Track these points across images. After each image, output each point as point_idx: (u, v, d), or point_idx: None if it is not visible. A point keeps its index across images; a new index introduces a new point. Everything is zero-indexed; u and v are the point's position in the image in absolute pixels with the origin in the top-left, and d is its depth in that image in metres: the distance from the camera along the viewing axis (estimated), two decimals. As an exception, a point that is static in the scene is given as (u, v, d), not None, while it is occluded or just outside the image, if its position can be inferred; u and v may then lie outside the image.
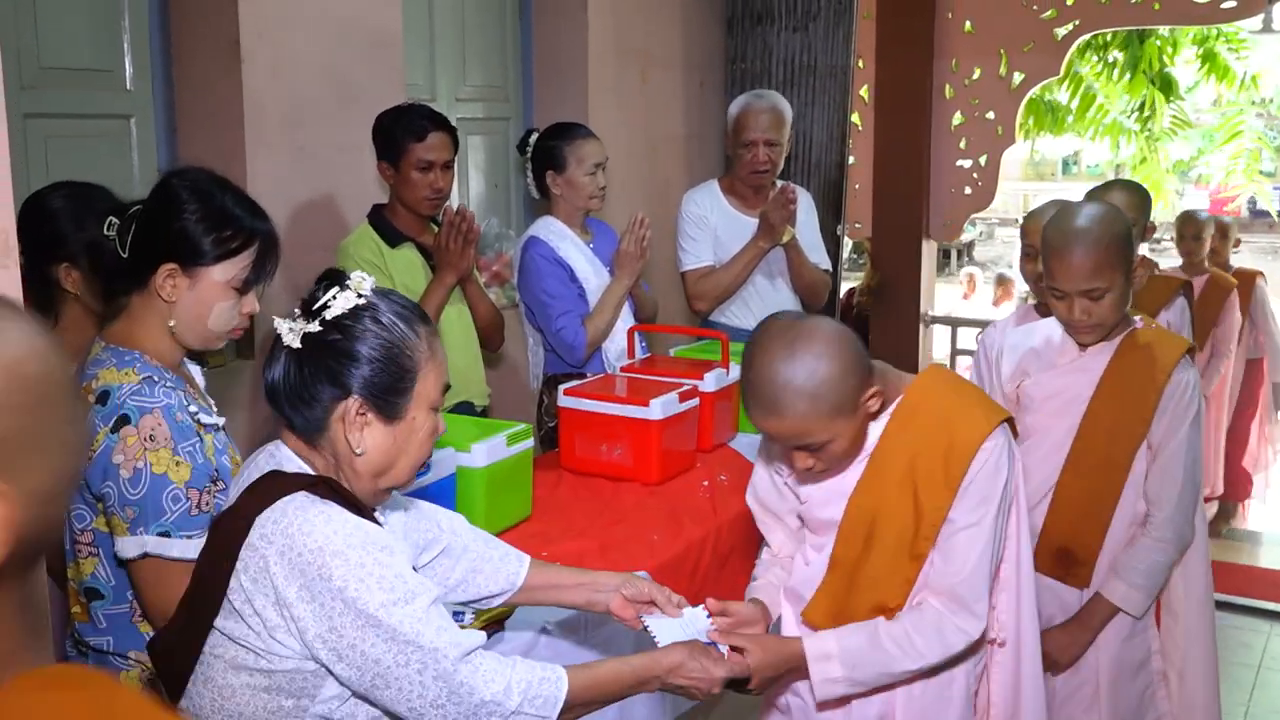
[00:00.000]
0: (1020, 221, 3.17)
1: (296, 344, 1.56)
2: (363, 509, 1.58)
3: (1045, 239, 2.41)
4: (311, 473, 1.59)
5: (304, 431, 1.60)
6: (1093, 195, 2.93)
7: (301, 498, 1.52)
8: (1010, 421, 1.98)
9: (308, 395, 1.57)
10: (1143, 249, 3.01)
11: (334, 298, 1.57)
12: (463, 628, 2.07)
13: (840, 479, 1.98)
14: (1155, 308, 3.14)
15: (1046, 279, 2.41)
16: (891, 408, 1.95)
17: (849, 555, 1.97)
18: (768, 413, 1.82)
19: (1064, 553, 2.48)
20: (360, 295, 1.58)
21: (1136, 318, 2.47)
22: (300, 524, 1.49)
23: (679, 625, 1.90)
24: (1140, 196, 3.05)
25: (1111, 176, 18.97)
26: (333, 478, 1.59)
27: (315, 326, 1.56)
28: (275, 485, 1.54)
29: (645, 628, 1.90)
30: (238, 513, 1.54)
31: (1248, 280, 5.59)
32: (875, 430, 1.95)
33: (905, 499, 1.91)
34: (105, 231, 1.93)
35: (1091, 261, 2.31)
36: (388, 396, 1.57)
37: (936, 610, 1.91)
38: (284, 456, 1.61)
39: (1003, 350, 2.65)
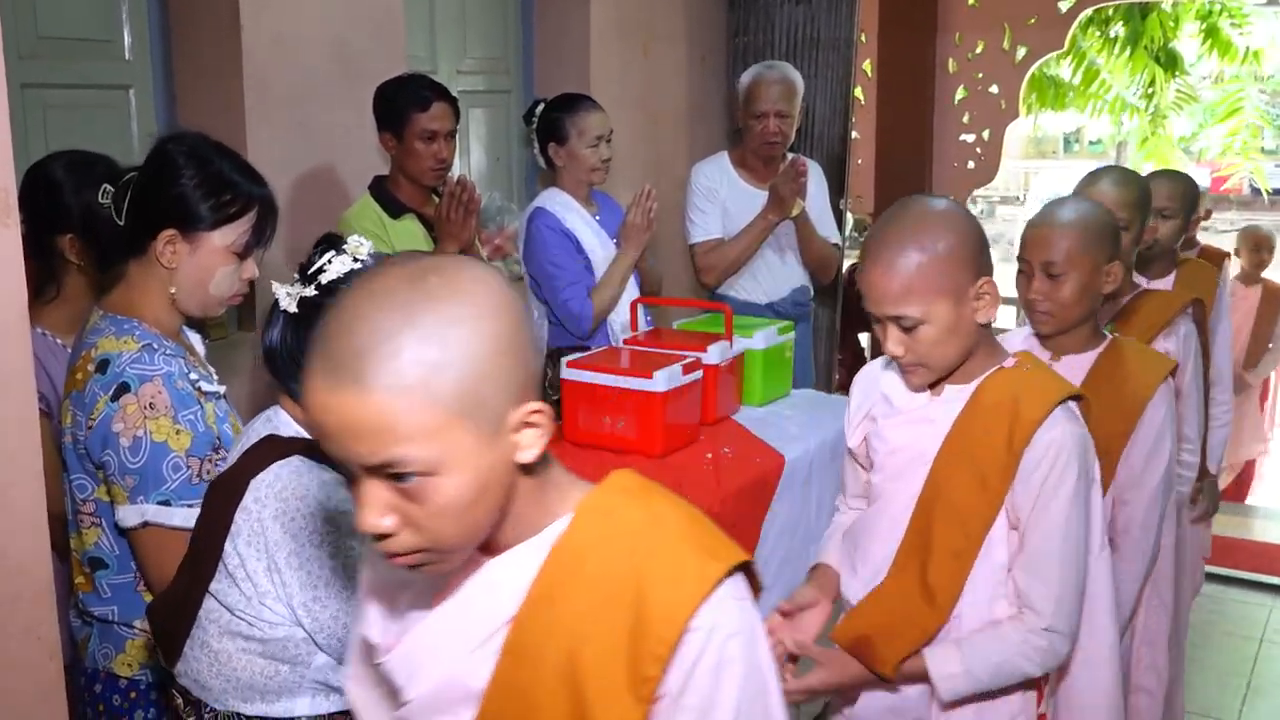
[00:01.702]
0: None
1: (293, 308, 1.56)
2: None
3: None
4: (308, 437, 1.58)
5: (299, 396, 1.58)
6: (1081, 185, 2.74)
7: (297, 461, 1.52)
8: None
9: (303, 359, 1.55)
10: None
11: (329, 262, 1.57)
12: None
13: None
14: (1152, 331, 2.66)
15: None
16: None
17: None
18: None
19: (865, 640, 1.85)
20: (356, 259, 1.57)
21: (1009, 359, 1.86)
22: (295, 487, 1.49)
23: None
24: (1132, 191, 2.65)
25: (1114, 153, 18.94)
26: None
27: (311, 291, 1.56)
28: (271, 449, 1.54)
29: None
30: (233, 476, 1.54)
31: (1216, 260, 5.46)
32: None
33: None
34: (100, 199, 1.91)
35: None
36: None
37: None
38: (281, 421, 1.60)
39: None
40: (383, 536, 1.00)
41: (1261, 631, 4.28)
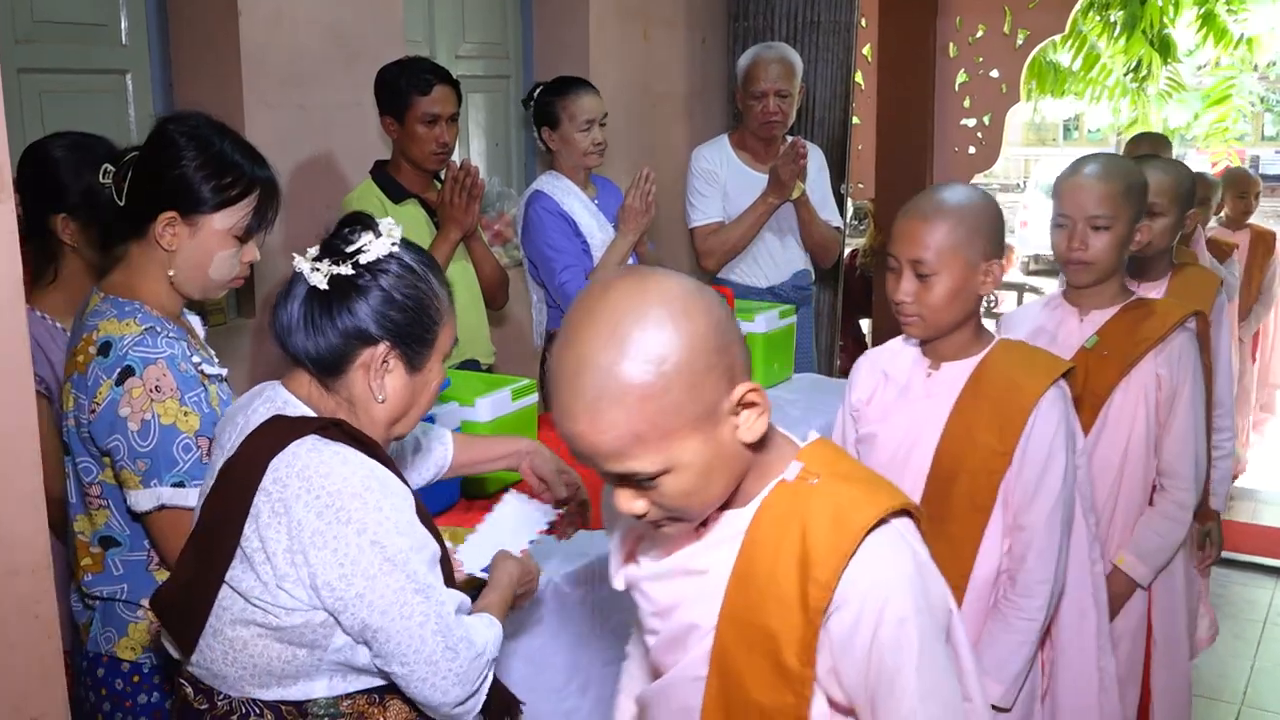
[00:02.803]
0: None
1: (324, 285, 1.54)
2: (376, 450, 1.56)
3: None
4: (314, 414, 1.56)
5: (321, 373, 1.57)
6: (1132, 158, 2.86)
7: (313, 440, 1.50)
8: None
9: (333, 338, 1.55)
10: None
11: (370, 243, 1.55)
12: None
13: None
14: (1142, 347, 2.36)
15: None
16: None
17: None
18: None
19: None
20: (393, 243, 1.57)
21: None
22: (317, 466, 1.47)
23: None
24: (1118, 184, 2.39)
25: (1113, 140, 18.90)
26: (344, 419, 1.57)
27: (347, 269, 1.54)
28: (284, 429, 1.52)
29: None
30: (247, 458, 1.51)
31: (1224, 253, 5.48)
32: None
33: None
34: (101, 178, 1.89)
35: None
36: (415, 346, 1.58)
37: None
38: (285, 400, 1.58)
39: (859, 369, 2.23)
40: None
41: (1265, 614, 4.28)
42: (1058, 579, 1.97)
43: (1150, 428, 2.36)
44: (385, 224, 1.58)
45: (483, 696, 1.58)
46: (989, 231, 1.95)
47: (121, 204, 1.86)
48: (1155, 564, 2.39)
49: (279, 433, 1.51)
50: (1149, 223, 2.59)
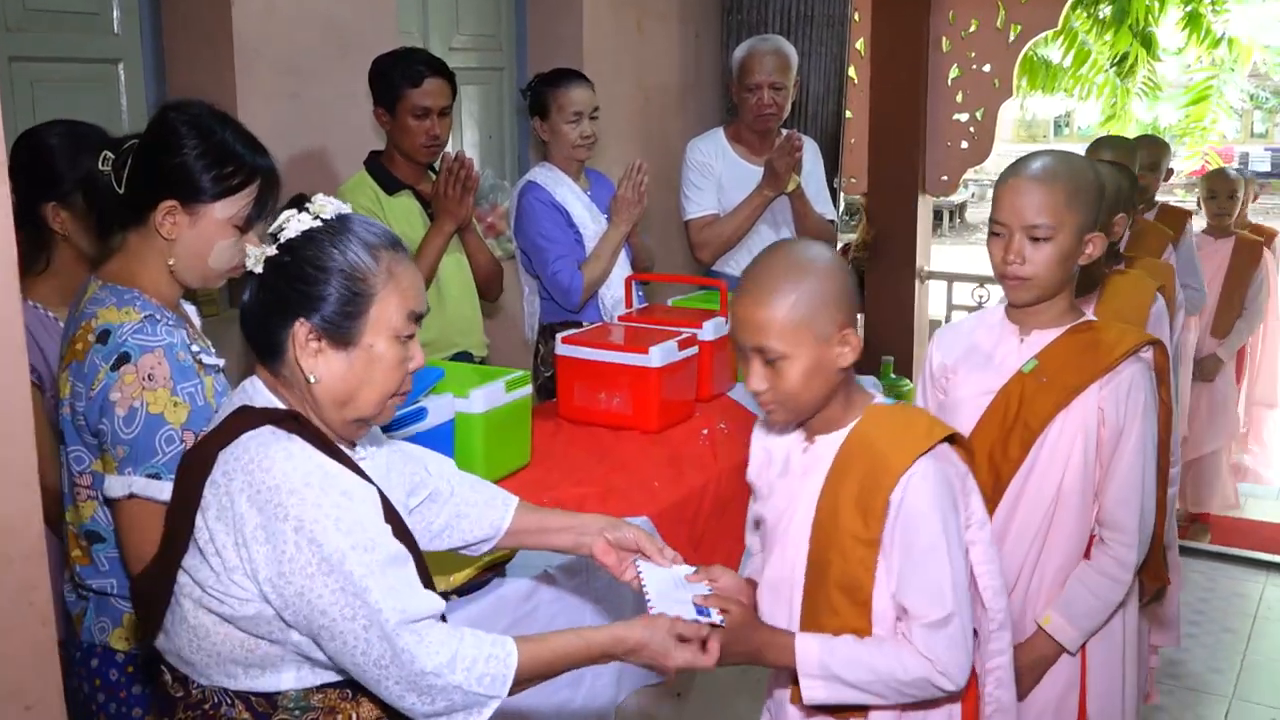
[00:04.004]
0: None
1: (259, 269, 1.52)
2: (332, 446, 1.53)
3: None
4: (280, 407, 1.54)
5: (267, 360, 1.56)
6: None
7: (265, 432, 1.48)
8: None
9: (265, 321, 1.53)
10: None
11: (288, 221, 1.52)
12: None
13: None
14: (1086, 379, 2.05)
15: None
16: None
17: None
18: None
19: None
20: (318, 218, 1.52)
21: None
22: (260, 459, 1.44)
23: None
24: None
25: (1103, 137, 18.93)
26: (301, 412, 1.54)
27: (272, 250, 1.52)
28: (241, 420, 1.50)
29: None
30: (202, 449, 1.50)
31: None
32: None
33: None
34: (100, 166, 1.88)
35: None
36: (337, 321, 1.50)
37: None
38: (255, 391, 1.56)
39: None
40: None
41: (1255, 608, 4.29)
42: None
43: (1088, 469, 2.04)
44: (318, 200, 1.54)
45: (466, 714, 1.47)
46: (838, 297, 1.70)
47: (121, 192, 1.85)
48: (1085, 627, 2.05)
49: (236, 424, 1.49)
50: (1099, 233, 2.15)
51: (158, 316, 1.82)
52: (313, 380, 1.51)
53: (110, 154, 1.87)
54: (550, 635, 1.62)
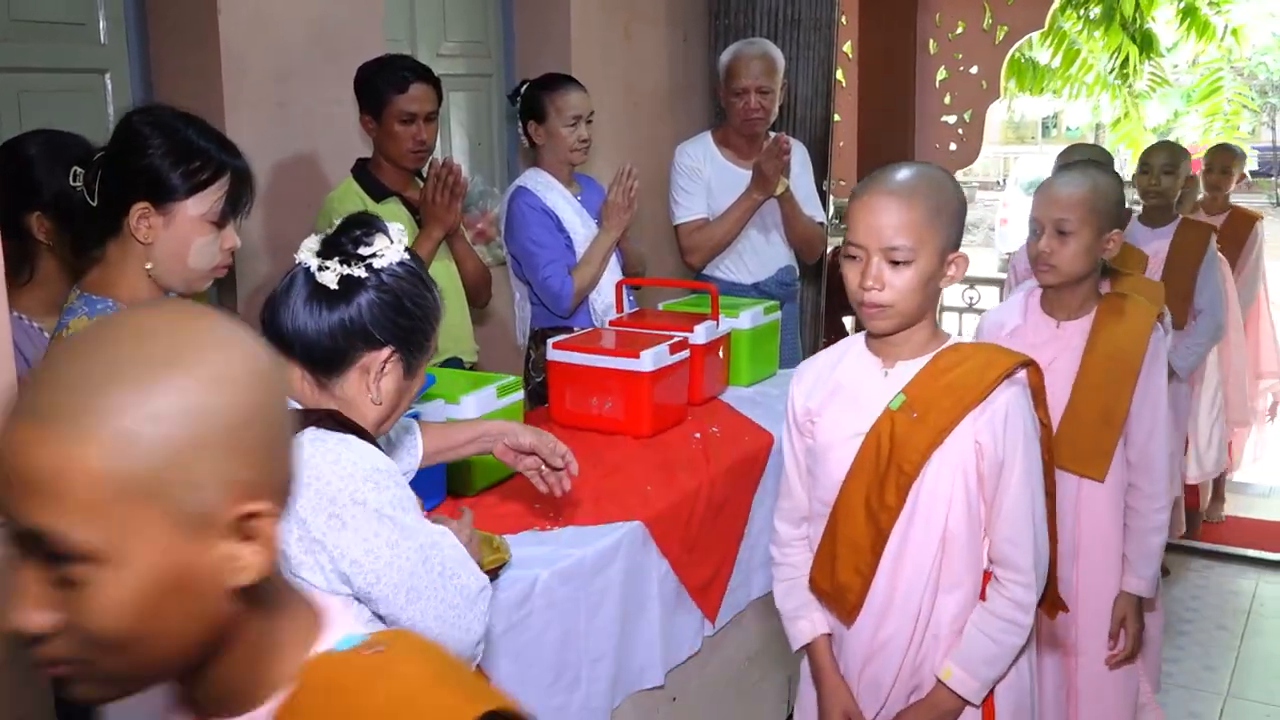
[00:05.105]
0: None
1: (334, 285, 1.55)
2: (370, 438, 1.59)
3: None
4: (297, 406, 1.56)
5: (317, 371, 1.59)
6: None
7: (312, 432, 1.51)
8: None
9: (338, 338, 1.57)
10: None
11: (385, 248, 1.58)
12: None
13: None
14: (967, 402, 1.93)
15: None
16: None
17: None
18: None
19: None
20: (404, 248, 1.60)
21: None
22: (324, 454, 1.49)
23: None
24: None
25: (1091, 138, 18.96)
26: (335, 410, 1.58)
27: (359, 271, 1.56)
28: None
29: None
30: None
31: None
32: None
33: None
34: (71, 181, 1.87)
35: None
36: (415, 352, 1.62)
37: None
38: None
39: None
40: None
41: (1249, 605, 4.30)
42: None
43: (973, 508, 1.88)
44: (396, 230, 1.61)
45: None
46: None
47: (94, 204, 1.85)
48: (988, 676, 1.90)
49: None
50: (1058, 244, 2.46)
51: None
52: (377, 401, 1.61)
53: (79, 169, 1.87)
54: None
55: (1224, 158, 5.04)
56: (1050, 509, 1.94)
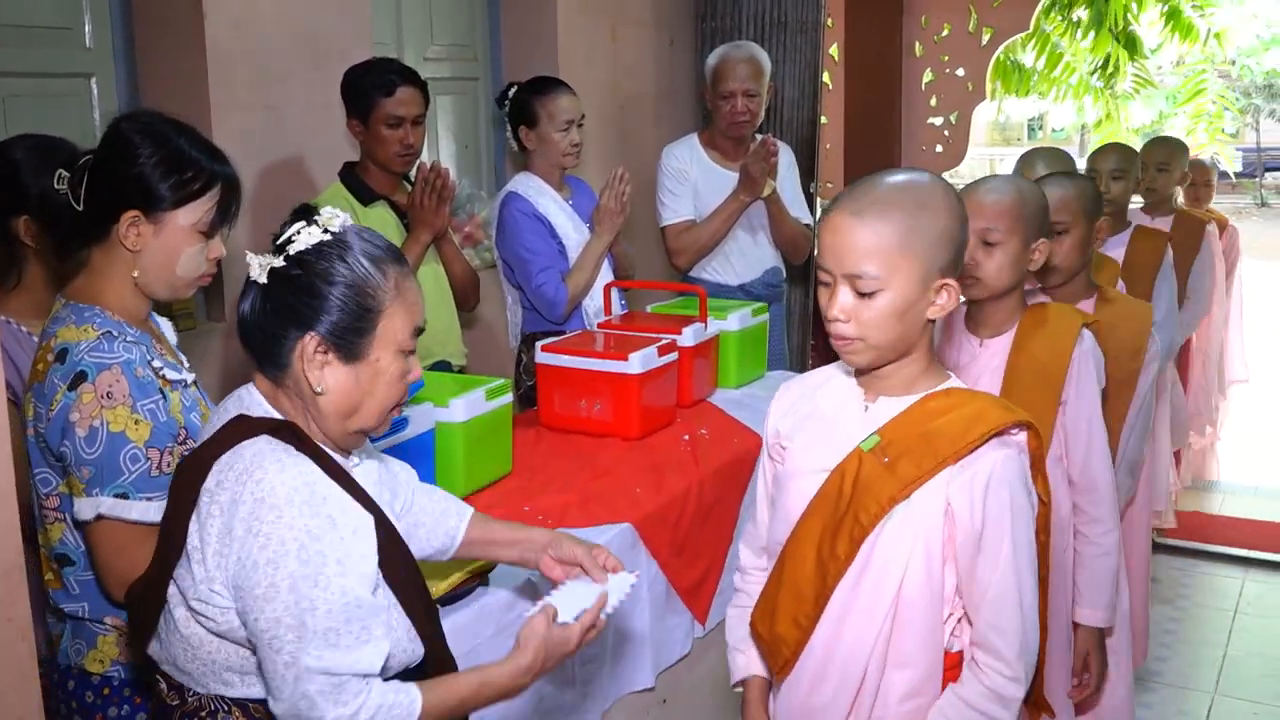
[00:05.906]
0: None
1: (263, 279, 1.52)
2: (327, 459, 1.54)
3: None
4: (277, 417, 1.55)
5: (268, 370, 1.56)
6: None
7: (262, 442, 1.49)
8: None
9: (270, 332, 1.53)
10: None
11: (299, 233, 1.53)
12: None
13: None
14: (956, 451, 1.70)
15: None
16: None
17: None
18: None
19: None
20: (327, 231, 1.53)
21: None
22: (253, 469, 1.45)
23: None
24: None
25: (1077, 139, 19.01)
26: (298, 424, 1.55)
27: (280, 261, 1.52)
28: (238, 429, 1.51)
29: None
30: (198, 458, 1.51)
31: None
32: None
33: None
34: (56, 185, 1.86)
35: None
36: (347, 336, 1.52)
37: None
38: (252, 400, 1.57)
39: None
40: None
41: (1235, 603, 4.31)
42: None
43: (933, 577, 1.65)
44: (326, 213, 1.55)
45: None
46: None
47: (79, 208, 1.83)
48: None
49: (233, 433, 1.50)
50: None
51: (115, 333, 1.80)
52: (319, 392, 1.53)
53: (64, 172, 1.85)
54: (456, 677, 1.60)
55: (1159, 153, 4.47)
56: (1043, 595, 1.69)
